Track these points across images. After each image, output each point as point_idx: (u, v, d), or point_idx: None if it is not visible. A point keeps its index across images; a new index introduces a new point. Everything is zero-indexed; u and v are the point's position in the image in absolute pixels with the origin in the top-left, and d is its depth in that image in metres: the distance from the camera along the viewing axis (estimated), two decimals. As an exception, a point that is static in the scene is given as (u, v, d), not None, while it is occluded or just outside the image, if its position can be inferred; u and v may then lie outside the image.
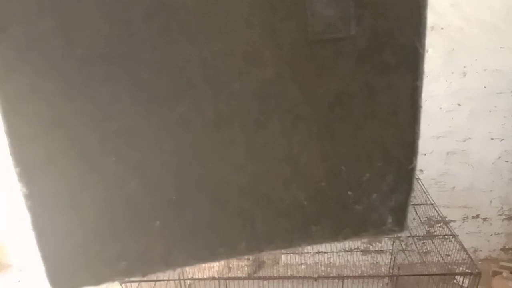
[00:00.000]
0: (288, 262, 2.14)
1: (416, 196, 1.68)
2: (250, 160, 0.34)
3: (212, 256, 0.35)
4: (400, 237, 2.03)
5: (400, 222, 0.38)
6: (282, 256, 2.15)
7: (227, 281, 1.47)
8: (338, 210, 0.37)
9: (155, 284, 1.53)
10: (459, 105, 1.82)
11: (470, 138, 1.87)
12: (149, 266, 0.34)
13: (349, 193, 0.36)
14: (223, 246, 0.35)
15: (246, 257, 2.00)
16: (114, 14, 0.30)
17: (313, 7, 0.32)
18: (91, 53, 0.30)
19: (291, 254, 2.13)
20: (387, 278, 2.01)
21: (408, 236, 1.79)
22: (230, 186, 0.34)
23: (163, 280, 1.48)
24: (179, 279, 1.63)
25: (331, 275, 2.08)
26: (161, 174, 0.33)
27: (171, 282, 1.68)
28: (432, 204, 1.52)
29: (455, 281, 1.56)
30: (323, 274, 2.07)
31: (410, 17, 0.32)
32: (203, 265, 2.08)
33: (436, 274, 1.37)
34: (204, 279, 1.45)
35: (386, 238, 2.07)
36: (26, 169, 0.31)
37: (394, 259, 2.03)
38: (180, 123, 0.32)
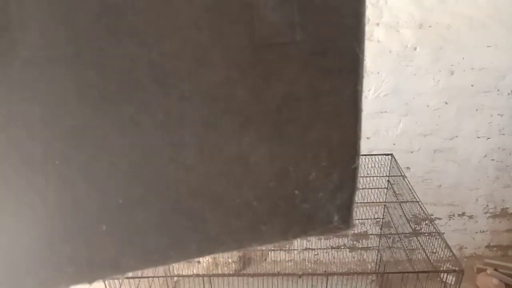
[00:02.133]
0: (276, 258, 2.16)
1: (403, 193, 1.70)
2: (201, 161, 0.35)
3: (163, 260, 0.35)
4: (386, 234, 2.05)
5: (346, 219, 0.40)
6: (270, 252, 2.17)
7: (212, 278, 1.48)
8: (286, 209, 0.38)
9: (139, 281, 1.54)
10: (446, 103, 1.84)
11: (457, 136, 1.89)
12: (97, 271, 0.34)
13: (296, 192, 0.38)
14: (173, 249, 0.36)
15: (230, 254, 2.01)
16: (60, 14, 0.29)
17: (260, 12, 0.33)
18: (36, 54, 0.29)
19: (279, 251, 2.14)
20: (373, 275, 2.03)
21: (394, 234, 1.81)
22: (181, 187, 0.35)
23: (149, 277, 1.49)
24: (165, 276, 1.64)
25: (318, 272, 2.09)
26: (109, 176, 0.33)
27: (156, 279, 1.69)
28: (418, 202, 1.54)
29: (440, 278, 1.58)
30: (310, 270, 2.09)
31: (350, 24, 0.34)
32: (190, 261, 2.09)
33: (421, 272, 1.39)
34: (189, 275, 1.46)
35: (373, 235, 2.09)
36: None
37: (381, 256, 2.05)
38: (129, 125, 0.33)
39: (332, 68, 0.35)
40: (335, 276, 1.61)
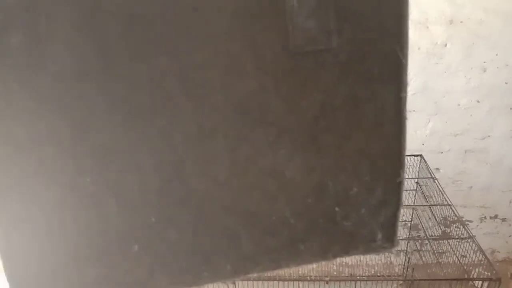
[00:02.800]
0: None
1: (432, 195, 1.65)
2: (234, 175, 0.33)
3: (195, 281, 0.34)
4: (415, 237, 2.00)
5: (390, 237, 0.37)
6: None
7: (237, 281, 1.47)
8: (326, 227, 0.36)
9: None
10: (478, 101, 1.77)
11: (489, 136, 1.83)
12: None
13: (337, 208, 0.35)
14: (206, 269, 0.34)
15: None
16: (89, 28, 0.29)
17: (293, 20, 0.32)
18: (64, 69, 0.29)
19: None
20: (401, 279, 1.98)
21: (424, 237, 1.76)
22: (214, 203, 0.33)
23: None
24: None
25: (343, 275, 2.06)
26: (140, 193, 0.31)
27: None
28: (449, 205, 1.49)
29: (471, 283, 1.52)
30: (335, 273, 2.06)
31: (391, 27, 0.32)
32: (225, 282, 2.04)
33: (453, 279, 1.33)
34: None
35: (401, 238, 2.04)
36: None
37: (409, 260, 2.00)
38: (160, 138, 0.31)
39: (372, 74, 0.33)
40: (362, 280, 1.58)
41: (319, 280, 1.45)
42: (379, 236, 0.37)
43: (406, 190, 1.72)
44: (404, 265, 2.09)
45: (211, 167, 0.33)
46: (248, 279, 1.56)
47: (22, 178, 0.29)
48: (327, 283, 1.34)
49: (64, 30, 0.28)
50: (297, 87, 0.33)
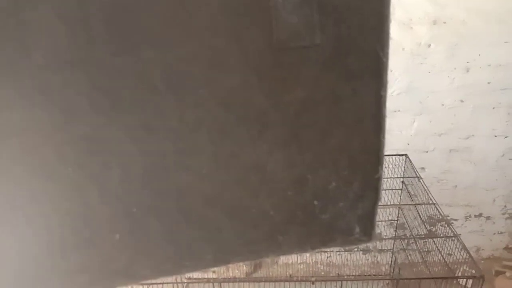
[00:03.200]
0: (287, 261, 2.14)
1: (417, 194, 1.66)
2: (217, 169, 0.34)
3: (176, 269, 0.34)
4: (401, 236, 2.02)
5: (367, 231, 0.38)
6: (281, 256, 2.14)
7: (223, 283, 1.47)
8: (304, 219, 0.36)
9: (149, 287, 1.53)
10: (462, 101, 1.80)
11: (473, 135, 1.86)
12: (109, 280, 0.33)
13: (315, 202, 0.36)
14: (187, 259, 0.34)
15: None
16: (73, 18, 0.29)
17: (278, 15, 0.32)
18: (49, 59, 0.29)
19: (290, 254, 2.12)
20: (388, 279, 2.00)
21: (410, 236, 1.78)
22: (196, 195, 0.33)
23: (158, 283, 1.48)
24: (175, 282, 1.63)
25: (331, 275, 2.07)
26: (122, 184, 0.32)
27: (166, 285, 1.69)
28: (434, 203, 1.51)
29: (456, 281, 1.55)
30: (322, 273, 2.07)
31: (372, 25, 0.32)
32: (206, 270, 2.05)
33: (438, 278, 1.35)
34: (200, 280, 1.45)
35: (387, 238, 2.06)
36: None
37: (395, 259, 2.02)
38: (143, 131, 0.32)
39: (353, 71, 0.34)
40: (349, 280, 1.59)
41: (305, 281, 1.46)
42: (357, 229, 0.38)
43: (392, 190, 1.74)
44: (390, 264, 2.11)
45: (194, 160, 0.33)
46: (235, 281, 1.56)
47: (2, 166, 0.29)
48: (313, 283, 1.35)
49: (48, 19, 0.28)
50: (280, 82, 0.34)
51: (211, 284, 1.45)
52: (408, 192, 1.75)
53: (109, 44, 0.30)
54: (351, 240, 0.38)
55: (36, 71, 0.29)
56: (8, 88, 0.29)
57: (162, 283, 1.46)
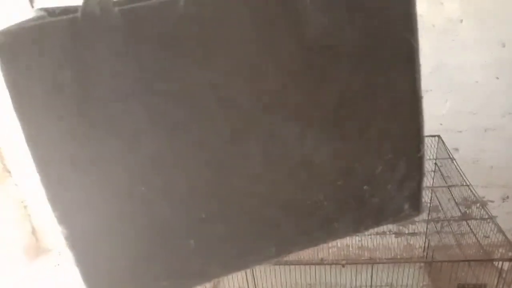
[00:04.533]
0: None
1: (451, 176, 1.62)
2: (268, 169, 0.36)
3: (245, 264, 0.38)
4: (434, 219, 1.99)
5: (416, 206, 0.41)
6: None
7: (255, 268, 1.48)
8: (356, 205, 0.39)
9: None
10: (497, 78, 1.72)
11: (509, 113, 1.78)
12: (187, 282, 0.37)
13: (365, 187, 0.38)
14: (253, 254, 0.38)
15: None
16: (127, 53, 0.31)
17: (306, 15, 0.33)
18: (108, 94, 0.31)
19: None
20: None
21: (443, 219, 1.75)
22: (253, 197, 0.36)
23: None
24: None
25: (362, 258, 2.06)
26: (189, 195, 0.35)
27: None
28: (468, 185, 1.47)
29: (492, 263, 1.52)
30: (354, 257, 2.06)
31: (401, 15, 0.33)
32: (270, 262, 2.07)
33: (473, 260, 1.33)
34: None
35: (419, 221, 2.04)
36: (64, 212, 0.32)
37: (428, 242, 1.99)
38: (199, 146, 0.34)
39: (386, 61, 0.35)
40: (380, 264, 1.57)
41: (336, 264, 1.46)
42: (406, 206, 0.40)
43: (428, 172, 1.70)
44: (424, 248, 2.08)
45: (247, 166, 0.36)
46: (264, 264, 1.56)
47: (84, 197, 0.33)
48: (343, 266, 1.35)
49: (104, 59, 0.31)
50: (315, 81, 0.35)
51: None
52: (441, 174, 1.71)
53: (159, 72, 0.32)
54: (401, 217, 0.40)
55: (99, 106, 0.32)
56: (78, 126, 0.32)
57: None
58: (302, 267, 1.62)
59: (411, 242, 2.06)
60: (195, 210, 0.35)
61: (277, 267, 1.71)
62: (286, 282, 1.71)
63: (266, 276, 1.68)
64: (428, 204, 1.92)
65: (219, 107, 0.34)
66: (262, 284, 1.72)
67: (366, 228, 0.40)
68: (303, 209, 0.37)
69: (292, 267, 1.61)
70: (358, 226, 0.40)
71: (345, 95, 0.36)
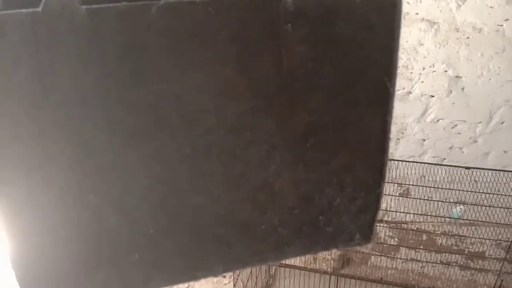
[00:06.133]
0: (377, 263, 2.06)
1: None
2: (227, 190, 0.36)
3: (189, 279, 0.38)
4: (507, 258, 1.81)
5: (367, 237, 0.41)
6: (372, 257, 2.07)
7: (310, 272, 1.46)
8: (310, 232, 0.39)
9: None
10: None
11: None
12: None
13: (320, 217, 0.39)
14: (199, 271, 0.38)
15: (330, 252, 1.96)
16: (88, 57, 0.30)
17: (287, 43, 0.33)
18: (66, 98, 0.30)
19: (381, 257, 2.04)
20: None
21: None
22: (207, 215, 0.36)
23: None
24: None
25: (422, 285, 1.93)
26: (139, 208, 0.34)
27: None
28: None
29: None
30: (413, 283, 1.95)
31: (381, 58, 0.33)
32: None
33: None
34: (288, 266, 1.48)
35: (490, 257, 1.86)
36: (5, 211, 0.31)
37: (501, 282, 1.81)
38: (156, 159, 0.34)
39: (360, 99, 0.35)
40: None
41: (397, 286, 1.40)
42: (357, 236, 0.41)
43: (508, 208, 1.56)
44: (494, 285, 1.90)
45: (206, 184, 0.35)
46: (326, 273, 1.54)
47: (27, 198, 0.32)
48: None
49: (65, 60, 0.29)
50: (287, 107, 0.35)
51: (297, 271, 1.48)
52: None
53: (121, 79, 0.31)
54: (351, 245, 0.41)
55: (55, 109, 0.30)
56: (30, 127, 0.31)
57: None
58: (358, 281, 1.57)
59: (476, 278, 1.89)
60: (143, 224, 0.35)
61: (333, 276, 1.67)
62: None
63: (319, 282, 1.65)
64: (510, 243, 1.75)
65: (181, 122, 0.33)
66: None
67: (316, 252, 0.41)
68: (256, 232, 0.37)
69: (348, 280, 1.58)
70: (308, 250, 0.40)
71: (314, 125, 0.36)
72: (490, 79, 1.73)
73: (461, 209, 1.97)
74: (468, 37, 1.69)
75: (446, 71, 1.86)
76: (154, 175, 0.34)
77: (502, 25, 1.60)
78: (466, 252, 2.01)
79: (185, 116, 0.34)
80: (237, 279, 1.63)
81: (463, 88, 1.89)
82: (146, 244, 0.36)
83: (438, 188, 1.85)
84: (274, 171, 0.37)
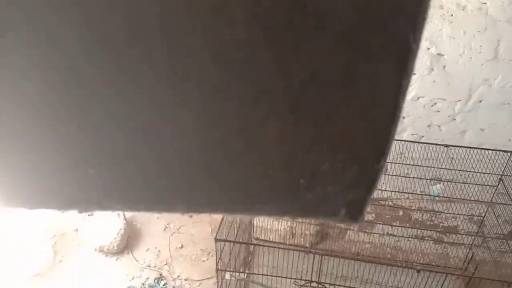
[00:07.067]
0: (354, 238, 2.11)
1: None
2: (200, 127, 0.32)
3: (150, 210, 0.35)
4: (486, 235, 1.85)
5: (354, 216, 0.36)
6: (348, 232, 2.11)
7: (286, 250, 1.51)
8: (287, 195, 0.35)
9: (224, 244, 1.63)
10: None
11: None
12: (83, 206, 0.34)
13: (301, 181, 0.34)
14: (160, 204, 0.35)
15: (307, 226, 2.00)
16: None
17: None
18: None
19: (358, 232, 2.09)
20: (459, 271, 1.87)
21: (487, 234, 1.62)
22: (173, 149, 0.32)
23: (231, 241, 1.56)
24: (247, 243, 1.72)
25: (396, 259, 1.99)
26: (104, 122, 0.31)
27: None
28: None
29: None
30: (389, 256, 2.01)
31: (408, 7, 0.27)
32: (267, 227, 2.10)
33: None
34: (266, 245, 1.53)
35: (463, 232, 1.90)
36: None
37: (472, 255, 1.87)
38: (130, 72, 0.30)
39: (375, 52, 0.29)
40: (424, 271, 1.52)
41: (372, 262, 1.45)
42: (343, 212, 0.36)
43: (482, 185, 1.56)
44: (466, 260, 1.96)
45: (178, 113, 0.31)
46: (304, 251, 1.58)
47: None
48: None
49: None
50: (290, 46, 0.30)
51: (275, 249, 1.53)
52: (506, 191, 1.56)
53: None
54: (334, 219, 0.36)
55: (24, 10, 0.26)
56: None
57: (235, 242, 1.55)
58: (337, 259, 1.62)
59: (448, 251, 1.94)
60: (105, 140, 0.32)
61: (311, 255, 1.72)
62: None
63: (298, 259, 1.70)
64: (481, 218, 1.77)
65: (162, 36, 0.29)
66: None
67: (292, 218, 0.36)
68: (225, 181, 0.34)
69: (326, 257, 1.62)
70: (283, 213, 0.35)
71: (318, 74, 0.30)
72: (471, 57, 1.68)
73: (440, 187, 1.98)
74: (452, 15, 1.60)
75: (428, 48, 1.83)
76: (125, 90, 0.30)
77: (485, 3, 1.52)
78: (440, 226, 2.05)
79: (168, 29, 0.29)
80: (219, 258, 1.67)
81: (444, 66, 1.86)
82: (104, 162, 0.33)
83: (415, 165, 1.87)
84: (259, 117, 0.32)
